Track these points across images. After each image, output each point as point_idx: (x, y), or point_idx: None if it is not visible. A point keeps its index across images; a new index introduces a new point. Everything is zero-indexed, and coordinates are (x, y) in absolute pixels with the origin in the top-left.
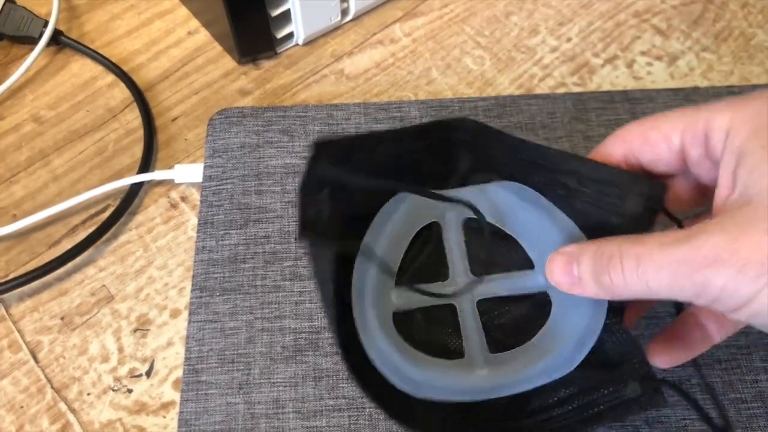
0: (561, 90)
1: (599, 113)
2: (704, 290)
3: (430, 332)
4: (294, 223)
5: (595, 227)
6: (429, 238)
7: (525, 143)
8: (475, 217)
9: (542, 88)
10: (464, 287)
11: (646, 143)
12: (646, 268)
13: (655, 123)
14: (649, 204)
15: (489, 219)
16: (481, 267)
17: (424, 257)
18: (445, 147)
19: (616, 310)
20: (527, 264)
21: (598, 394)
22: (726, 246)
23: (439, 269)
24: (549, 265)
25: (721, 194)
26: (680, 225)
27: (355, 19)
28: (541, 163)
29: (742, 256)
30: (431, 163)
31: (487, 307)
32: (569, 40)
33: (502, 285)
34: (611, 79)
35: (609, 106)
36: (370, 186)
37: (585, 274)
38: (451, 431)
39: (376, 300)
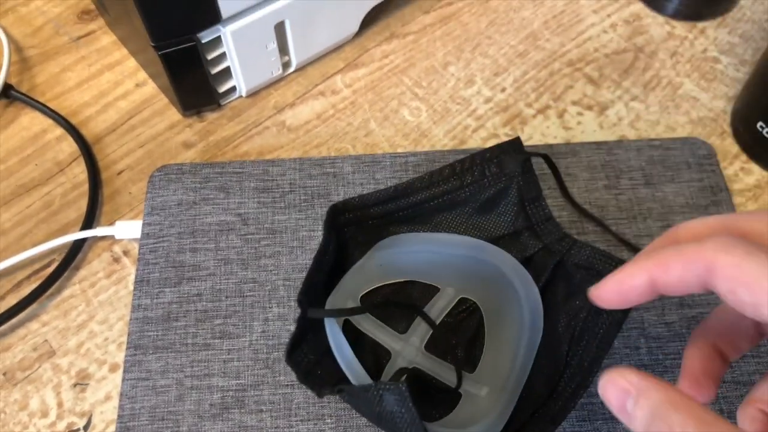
0: (492, 141)
1: None
2: None
3: (423, 403)
4: (225, 281)
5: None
6: (350, 335)
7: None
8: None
9: (475, 140)
10: (405, 348)
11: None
12: None
13: (667, 260)
14: (521, 156)
15: (380, 282)
16: (403, 323)
17: (359, 355)
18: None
19: (561, 239)
20: (433, 291)
21: (587, 345)
22: None
23: (379, 352)
24: (603, 385)
25: None
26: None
27: (299, 70)
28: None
29: None
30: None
31: (434, 344)
32: (503, 90)
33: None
34: (542, 129)
35: (534, 160)
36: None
37: (638, 415)
38: None
39: None
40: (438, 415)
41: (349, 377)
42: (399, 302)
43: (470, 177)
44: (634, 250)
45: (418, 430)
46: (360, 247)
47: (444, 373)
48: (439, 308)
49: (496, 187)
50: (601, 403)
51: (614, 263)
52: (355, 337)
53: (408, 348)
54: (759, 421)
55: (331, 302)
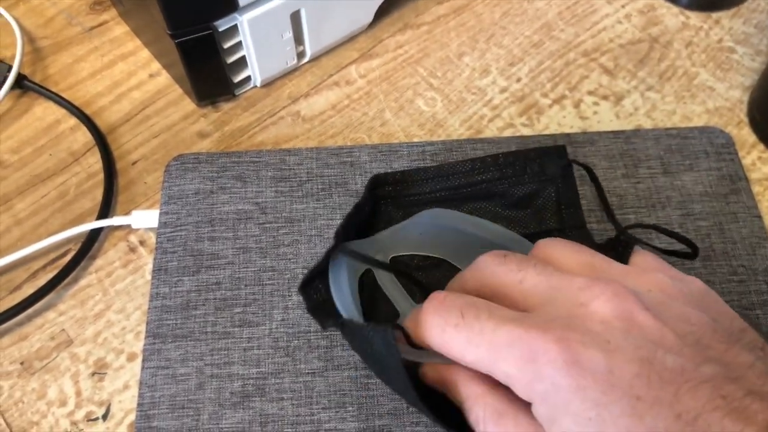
0: (509, 131)
1: None
2: None
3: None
4: (244, 269)
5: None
6: (368, 289)
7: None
8: (400, 253)
9: (491, 129)
10: None
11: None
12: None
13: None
14: (563, 161)
15: (414, 251)
16: (423, 296)
17: (370, 308)
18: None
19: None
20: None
21: None
22: None
23: (389, 312)
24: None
25: None
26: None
27: (313, 60)
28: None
29: None
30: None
31: None
32: (519, 80)
33: None
34: (558, 119)
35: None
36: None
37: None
38: None
39: None
40: None
41: (341, 313)
42: (424, 283)
43: (511, 170)
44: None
45: (400, 375)
46: (392, 222)
47: None
48: None
49: (535, 185)
50: None
51: (616, 230)
52: (370, 291)
53: None
54: None
55: (359, 248)
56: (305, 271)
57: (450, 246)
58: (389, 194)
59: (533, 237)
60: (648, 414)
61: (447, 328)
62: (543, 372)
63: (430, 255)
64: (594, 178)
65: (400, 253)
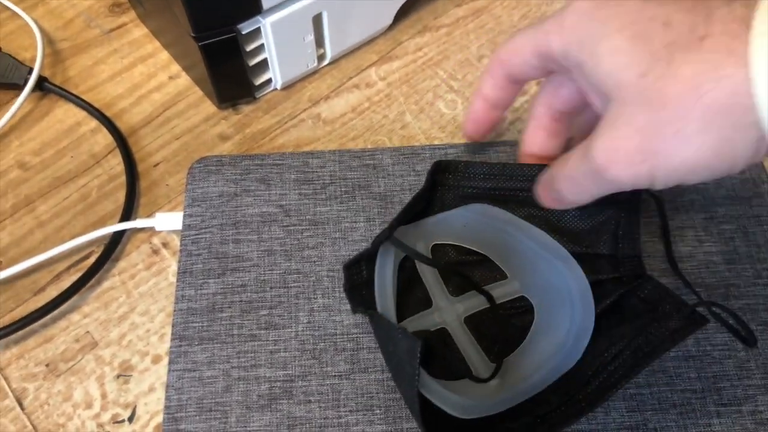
0: None
1: None
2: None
3: (438, 358)
4: (269, 272)
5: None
6: (407, 272)
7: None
8: (442, 242)
9: (512, 132)
10: (449, 309)
11: (514, 67)
12: (560, 186)
13: (514, 49)
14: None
15: (457, 242)
16: (458, 288)
17: (406, 291)
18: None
19: (638, 275)
20: (501, 276)
21: (647, 334)
22: (609, 149)
23: (422, 298)
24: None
25: (596, 106)
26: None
27: (332, 63)
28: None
29: (619, 156)
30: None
31: (474, 322)
32: (539, 82)
33: (481, 299)
34: None
35: None
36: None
37: (550, 204)
38: None
39: None
40: (440, 376)
41: (377, 301)
42: (465, 275)
43: None
44: (712, 313)
45: (412, 386)
46: (444, 210)
47: (468, 349)
48: (497, 294)
49: (597, 204)
50: (650, 393)
51: (682, 309)
52: (408, 276)
53: (449, 310)
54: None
55: (401, 233)
56: (330, 274)
57: (492, 244)
58: (447, 182)
59: (581, 257)
60: None
61: None
62: (569, 8)
63: (471, 248)
64: (662, 215)
65: (442, 241)
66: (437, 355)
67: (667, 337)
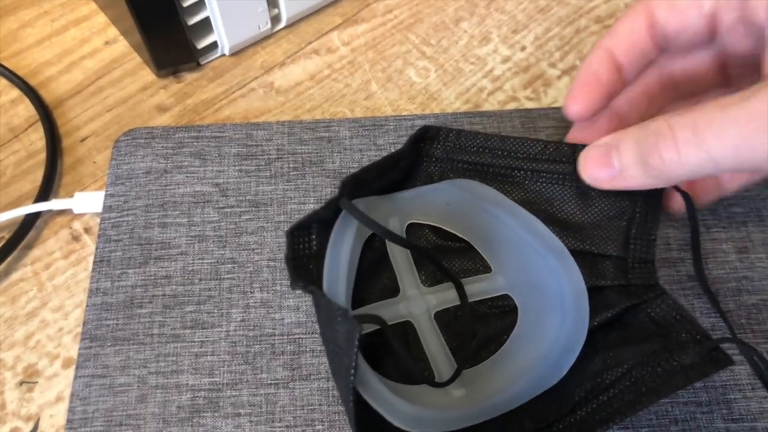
0: (512, 105)
1: (550, 133)
2: None
3: (394, 356)
4: (199, 261)
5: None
6: (376, 252)
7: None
8: (420, 221)
9: (491, 103)
10: (418, 300)
11: (673, 10)
12: (705, 134)
13: (627, 33)
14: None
15: (437, 223)
16: (432, 277)
17: (371, 274)
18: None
19: (650, 286)
20: (483, 268)
21: (654, 365)
22: None
23: (388, 284)
24: (583, 162)
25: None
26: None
27: (290, 26)
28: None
29: None
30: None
31: (446, 318)
32: (523, 48)
33: (457, 293)
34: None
35: (561, 124)
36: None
37: (628, 161)
38: None
39: None
40: (394, 377)
41: (325, 278)
42: (442, 263)
43: None
44: (732, 336)
45: (347, 381)
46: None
47: (434, 350)
48: (478, 289)
49: (611, 197)
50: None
51: (702, 343)
52: (376, 257)
53: (419, 301)
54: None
55: (371, 205)
56: (271, 264)
57: (478, 230)
58: (435, 152)
59: (582, 256)
60: None
61: None
62: None
63: (453, 233)
64: (692, 215)
65: (420, 221)
66: (394, 352)
67: (679, 373)
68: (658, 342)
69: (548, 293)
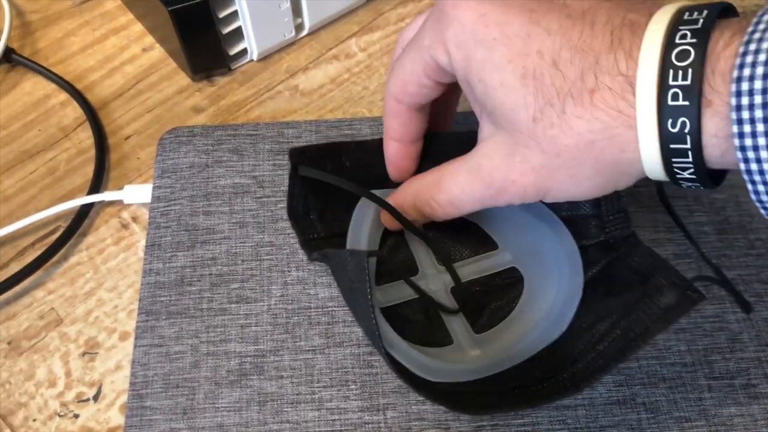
0: None
1: None
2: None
3: (416, 325)
4: (241, 244)
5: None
6: (393, 237)
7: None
8: None
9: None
10: (435, 278)
11: (413, 96)
12: (452, 210)
13: (403, 78)
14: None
15: None
16: (446, 256)
17: (392, 256)
18: None
19: (627, 237)
20: (491, 245)
21: (637, 312)
22: (507, 179)
23: (408, 265)
24: (383, 221)
25: (477, 113)
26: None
27: (311, 33)
28: None
29: (515, 187)
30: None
31: (461, 292)
32: None
33: (470, 269)
34: None
35: None
36: (346, 189)
37: (415, 216)
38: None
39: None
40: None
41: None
42: (456, 244)
43: None
44: (719, 277)
45: (366, 306)
46: None
47: (452, 320)
48: (489, 264)
49: None
50: (639, 367)
51: (678, 282)
52: (396, 241)
53: (436, 279)
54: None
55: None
56: None
57: (483, 211)
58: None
59: (565, 221)
60: (542, 20)
61: None
62: (449, 17)
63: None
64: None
65: None
66: (418, 323)
67: (660, 315)
68: (639, 290)
69: (546, 259)
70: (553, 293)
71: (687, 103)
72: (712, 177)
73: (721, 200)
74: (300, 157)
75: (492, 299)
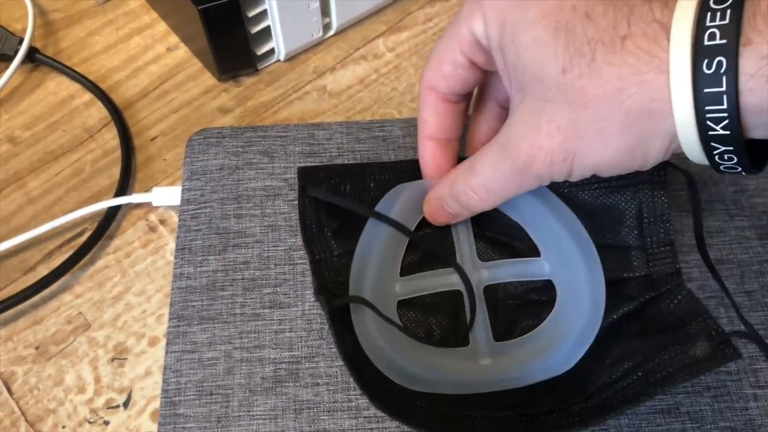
0: None
1: None
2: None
3: (437, 319)
4: (273, 248)
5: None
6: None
7: None
8: None
9: None
10: (472, 273)
11: (448, 80)
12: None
13: (438, 57)
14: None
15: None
16: (487, 253)
17: (434, 243)
18: None
19: (671, 274)
20: (533, 252)
21: (663, 357)
22: (533, 147)
23: (445, 254)
24: (427, 214)
25: (507, 88)
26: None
27: (338, 33)
28: None
29: (542, 155)
30: None
31: (492, 293)
32: None
33: (508, 271)
34: None
35: None
36: (360, 212)
37: (456, 209)
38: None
39: (375, 294)
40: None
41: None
42: (500, 242)
43: None
44: (749, 331)
45: (337, 345)
46: None
47: (477, 320)
48: (526, 270)
49: (614, 189)
50: None
51: (714, 334)
52: (441, 229)
53: (471, 274)
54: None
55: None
56: None
57: (528, 214)
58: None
59: (607, 249)
60: None
61: None
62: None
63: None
64: (694, 194)
65: None
66: (447, 315)
67: (685, 365)
68: (671, 334)
69: (575, 287)
70: (569, 326)
71: (724, 41)
72: (753, 161)
73: (762, 204)
74: (309, 176)
75: (524, 317)
